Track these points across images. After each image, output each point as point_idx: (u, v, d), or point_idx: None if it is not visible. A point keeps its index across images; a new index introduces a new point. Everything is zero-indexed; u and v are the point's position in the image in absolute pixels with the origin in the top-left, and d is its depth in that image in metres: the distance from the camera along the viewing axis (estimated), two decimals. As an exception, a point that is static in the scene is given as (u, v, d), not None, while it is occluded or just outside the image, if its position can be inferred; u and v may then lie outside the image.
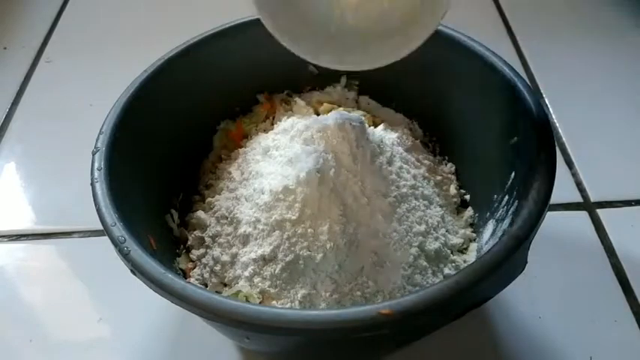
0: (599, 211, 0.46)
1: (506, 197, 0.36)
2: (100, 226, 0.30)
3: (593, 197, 0.47)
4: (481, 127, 0.40)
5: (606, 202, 0.46)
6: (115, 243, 0.30)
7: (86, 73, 0.60)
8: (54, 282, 0.43)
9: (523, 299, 0.40)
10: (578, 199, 0.47)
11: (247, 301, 0.34)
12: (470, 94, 0.40)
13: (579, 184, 0.48)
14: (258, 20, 0.34)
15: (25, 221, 0.47)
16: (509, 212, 0.34)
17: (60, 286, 0.43)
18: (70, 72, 0.61)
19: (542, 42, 0.61)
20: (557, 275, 0.42)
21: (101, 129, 0.35)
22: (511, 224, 0.30)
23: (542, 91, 0.56)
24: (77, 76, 0.60)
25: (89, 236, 0.45)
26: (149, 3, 0.70)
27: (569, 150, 0.50)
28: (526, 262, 0.30)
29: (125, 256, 0.29)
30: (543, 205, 0.30)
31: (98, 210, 0.31)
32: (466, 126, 0.42)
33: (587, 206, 0.46)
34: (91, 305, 0.42)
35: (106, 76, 0.59)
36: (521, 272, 0.30)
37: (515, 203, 0.34)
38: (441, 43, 0.40)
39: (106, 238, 0.30)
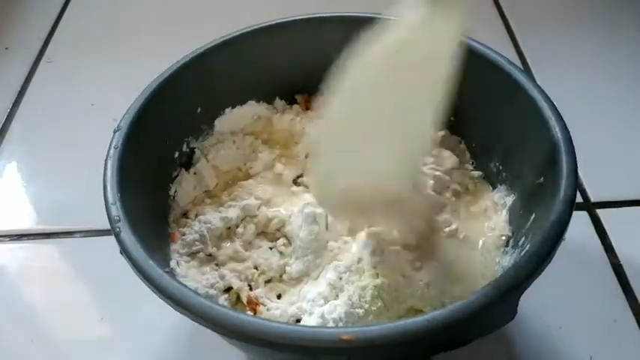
0: (599, 211, 0.46)
1: (522, 239, 0.34)
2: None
3: (593, 197, 0.47)
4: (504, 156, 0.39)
5: (606, 202, 0.46)
6: (115, 232, 0.29)
7: (88, 73, 0.61)
8: (55, 282, 0.43)
9: (523, 299, 0.40)
10: (578, 199, 0.47)
11: (238, 297, 0.35)
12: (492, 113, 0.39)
13: (579, 185, 0.48)
14: (267, 26, 0.34)
15: (27, 221, 0.47)
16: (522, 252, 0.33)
17: (61, 286, 0.43)
18: (71, 72, 0.61)
19: (543, 42, 0.61)
20: (557, 275, 0.41)
21: (126, 112, 0.34)
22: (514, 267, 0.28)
23: (542, 92, 0.56)
24: (78, 76, 0.60)
25: (91, 236, 0.45)
26: (150, 3, 0.70)
27: (569, 150, 0.50)
28: (515, 313, 0.29)
29: (126, 255, 0.29)
30: (540, 260, 0.28)
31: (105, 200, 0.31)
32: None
33: (587, 206, 0.46)
34: (93, 305, 0.42)
35: (107, 76, 0.60)
36: (509, 322, 0.28)
37: (527, 247, 0.32)
38: (467, 56, 0.39)
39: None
